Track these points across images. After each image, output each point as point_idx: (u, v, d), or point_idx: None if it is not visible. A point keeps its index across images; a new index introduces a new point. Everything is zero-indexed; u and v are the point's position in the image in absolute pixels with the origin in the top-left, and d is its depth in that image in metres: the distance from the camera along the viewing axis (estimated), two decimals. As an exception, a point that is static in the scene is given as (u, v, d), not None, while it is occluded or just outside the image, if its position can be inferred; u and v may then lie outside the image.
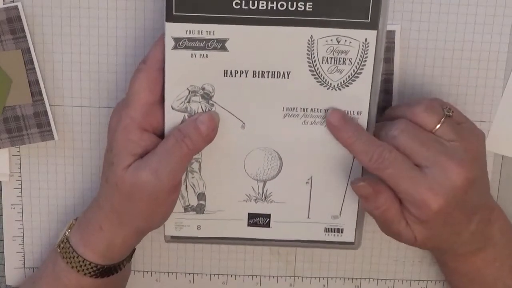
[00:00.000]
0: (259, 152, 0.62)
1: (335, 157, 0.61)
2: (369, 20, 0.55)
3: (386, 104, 0.66)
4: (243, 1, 0.56)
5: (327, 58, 0.57)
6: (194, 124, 0.59)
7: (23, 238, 0.70)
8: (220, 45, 0.58)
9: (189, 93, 0.60)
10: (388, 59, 0.66)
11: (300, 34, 0.56)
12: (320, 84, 0.59)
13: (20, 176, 0.68)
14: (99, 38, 0.65)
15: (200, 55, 0.58)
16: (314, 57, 0.57)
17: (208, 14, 0.57)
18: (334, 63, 0.57)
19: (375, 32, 0.56)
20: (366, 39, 0.57)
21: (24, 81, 0.65)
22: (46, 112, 0.66)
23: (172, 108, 0.60)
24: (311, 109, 0.60)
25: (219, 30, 0.57)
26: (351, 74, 0.58)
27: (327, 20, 0.55)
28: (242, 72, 0.59)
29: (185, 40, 0.58)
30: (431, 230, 0.59)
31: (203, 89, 0.60)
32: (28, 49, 0.65)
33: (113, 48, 0.66)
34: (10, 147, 0.66)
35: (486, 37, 0.66)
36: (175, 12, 0.57)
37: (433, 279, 0.71)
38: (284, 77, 0.58)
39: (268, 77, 0.58)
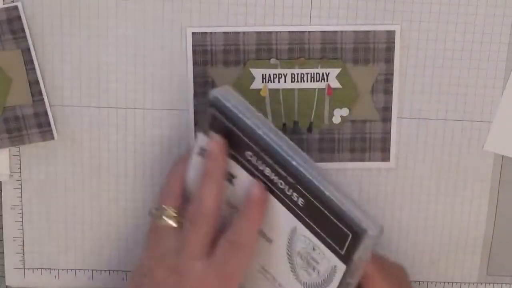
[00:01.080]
0: None
1: None
2: (343, 253, 0.55)
3: (387, 105, 0.67)
4: (254, 157, 0.57)
5: (301, 254, 0.57)
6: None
7: (23, 239, 0.70)
8: (229, 177, 0.60)
9: None
10: (388, 59, 0.66)
11: (289, 218, 0.57)
12: (291, 270, 0.58)
13: (20, 176, 0.68)
14: (99, 38, 0.65)
15: None
16: (292, 244, 0.58)
17: (230, 148, 0.59)
18: (305, 263, 0.57)
19: (344, 266, 0.55)
20: (335, 266, 0.56)
21: (24, 81, 0.65)
22: (46, 112, 0.66)
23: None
24: (279, 284, 0.60)
25: (233, 165, 0.59)
26: (317, 284, 0.58)
27: (311, 225, 0.56)
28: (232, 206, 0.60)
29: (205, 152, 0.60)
30: None
31: None
32: (28, 49, 0.65)
33: (113, 48, 0.66)
34: (10, 147, 0.67)
35: (486, 37, 0.66)
36: (207, 128, 0.59)
37: (433, 280, 0.71)
38: (268, 241, 0.59)
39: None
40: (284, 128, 0.67)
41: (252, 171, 0.58)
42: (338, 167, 0.68)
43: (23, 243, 0.70)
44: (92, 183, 0.69)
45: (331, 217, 0.54)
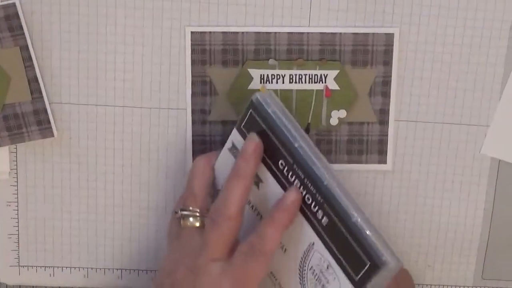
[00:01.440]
0: None
1: None
2: (356, 279, 0.55)
3: (384, 107, 0.67)
4: (286, 167, 0.58)
5: (313, 270, 0.58)
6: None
7: (19, 236, 0.70)
8: (256, 180, 0.60)
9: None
10: (387, 62, 0.66)
11: (309, 233, 0.57)
12: (299, 283, 0.59)
13: (16, 173, 0.68)
14: (98, 36, 0.65)
15: None
16: (306, 258, 0.58)
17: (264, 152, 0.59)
18: (315, 279, 0.58)
19: None
20: None
21: (23, 79, 0.65)
22: (45, 109, 0.65)
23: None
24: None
25: (262, 169, 0.59)
26: None
27: (330, 245, 0.56)
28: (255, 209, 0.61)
29: (236, 151, 0.61)
30: None
31: None
32: (27, 46, 0.64)
33: (112, 45, 0.66)
34: (10, 145, 0.66)
35: (484, 41, 0.66)
36: (242, 127, 0.60)
37: (428, 283, 0.71)
38: (282, 249, 0.60)
39: None
40: (281, 129, 0.67)
41: (282, 180, 0.58)
42: (335, 169, 0.68)
43: (18, 240, 0.70)
44: (89, 181, 0.69)
45: (353, 242, 0.54)
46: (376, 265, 0.54)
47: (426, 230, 0.69)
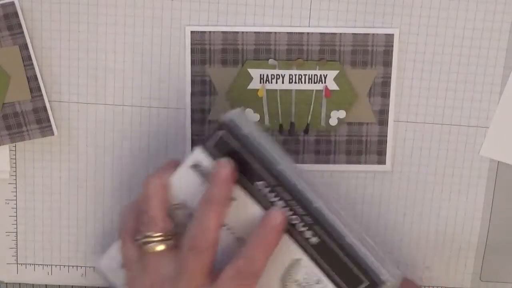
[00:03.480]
0: None
1: None
2: None
3: (384, 108, 0.67)
4: (267, 189, 0.57)
5: (299, 283, 0.57)
6: None
7: (17, 234, 0.70)
8: None
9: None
10: (386, 63, 0.66)
11: (292, 247, 0.57)
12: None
13: (15, 171, 0.68)
14: (97, 35, 0.65)
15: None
16: (290, 272, 0.57)
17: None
18: None
19: None
20: None
21: (22, 77, 0.65)
22: (45, 107, 0.65)
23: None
24: None
25: (234, 188, 0.58)
26: None
27: (320, 262, 0.56)
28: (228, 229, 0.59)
29: (202, 170, 0.59)
30: None
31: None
32: (26, 45, 0.64)
33: (112, 45, 0.65)
34: (10, 144, 0.66)
35: (484, 43, 0.66)
36: (211, 146, 0.58)
37: (427, 285, 0.71)
38: None
39: None
40: (280, 129, 0.67)
41: (260, 200, 0.58)
42: (334, 169, 0.68)
43: (16, 238, 0.70)
44: (87, 179, 0.69)
45: (348, 261, 0.55)
46: (375, 284, 0.54)
47: (425, 231, 0.69)
